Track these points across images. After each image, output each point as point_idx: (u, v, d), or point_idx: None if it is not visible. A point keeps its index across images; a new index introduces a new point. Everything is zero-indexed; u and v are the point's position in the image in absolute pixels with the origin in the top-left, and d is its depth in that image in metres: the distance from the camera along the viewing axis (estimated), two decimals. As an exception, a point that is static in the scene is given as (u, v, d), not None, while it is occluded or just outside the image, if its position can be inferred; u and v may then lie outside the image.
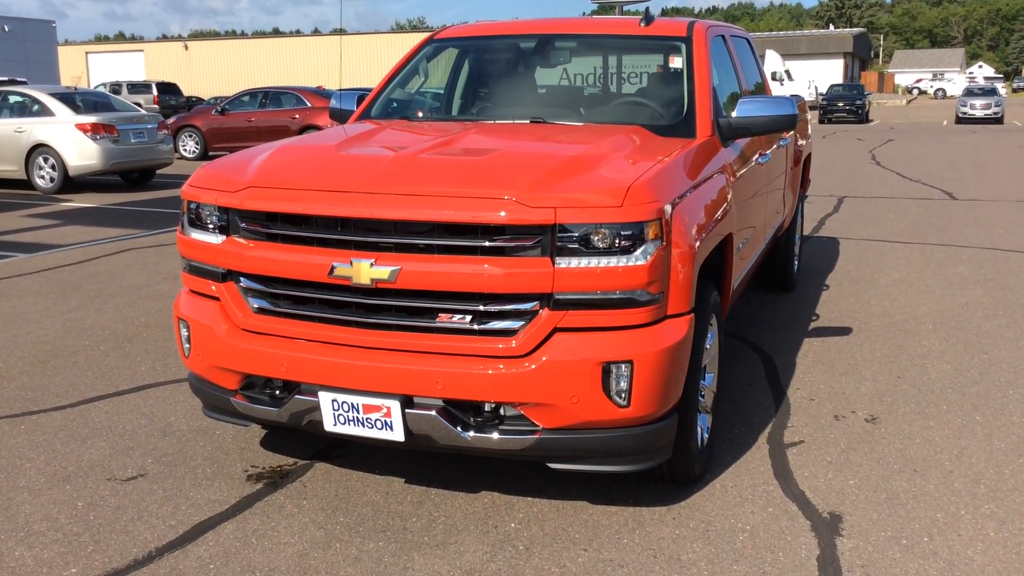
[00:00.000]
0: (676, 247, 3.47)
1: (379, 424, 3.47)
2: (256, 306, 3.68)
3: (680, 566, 3.42)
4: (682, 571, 3.39)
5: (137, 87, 43.91)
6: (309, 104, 20.44)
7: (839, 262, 8.95)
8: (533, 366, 3.32)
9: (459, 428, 3.44)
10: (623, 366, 3.35)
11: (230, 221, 3.70)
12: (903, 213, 12.03)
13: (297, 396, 3.59)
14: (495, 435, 3.44)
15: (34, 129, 14.57)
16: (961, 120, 38.26)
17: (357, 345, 3.51)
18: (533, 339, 3.34)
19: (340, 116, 5.25)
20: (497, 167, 3.58)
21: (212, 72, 66.22)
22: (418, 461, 4.24)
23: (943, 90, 74.02)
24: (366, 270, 3.39)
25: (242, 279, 3.70)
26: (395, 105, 5.29)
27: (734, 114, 4.55)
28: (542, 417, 3.40)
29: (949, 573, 3.36)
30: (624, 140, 4.07)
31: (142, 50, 71.28)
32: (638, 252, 3.32)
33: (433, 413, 3.41)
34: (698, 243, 3.64)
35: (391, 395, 3.43)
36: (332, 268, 3.45)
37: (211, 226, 3.75)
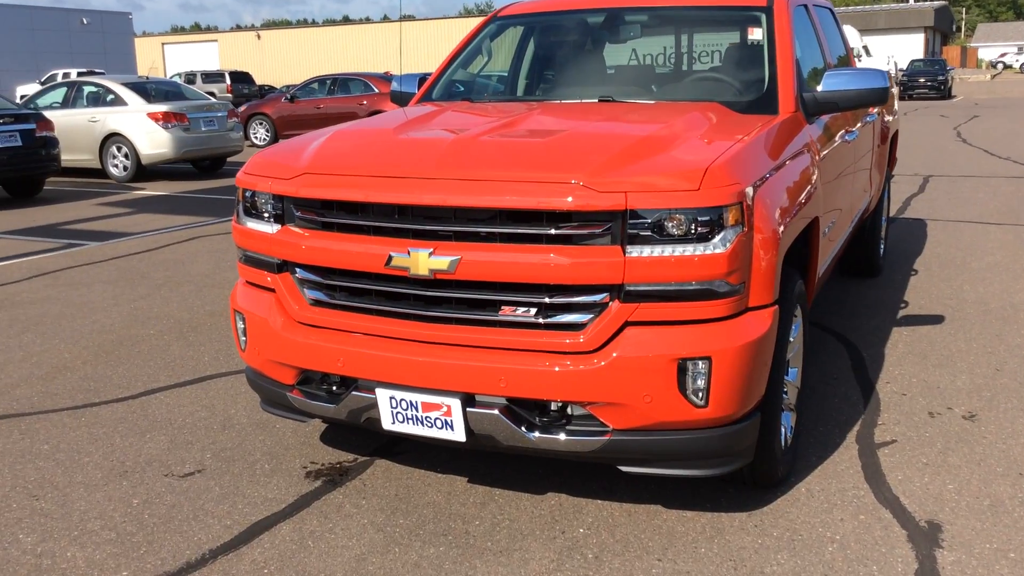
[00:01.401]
0: (758, 233, 3.19)
1: (439, 423, 3.28)
2: (312, 298, 3.52)
3: (763, 579, 3.15)
4: (766, 584, 3.12)
5: (211, 76, 44.68)
6: (376, 90, 20.40)
7: (927, 245, 8.48)
8: (603, 363, 3.08)
9: (524, 428, 3.22)
10: (700, 363, 3.09)
11: (285, 210, 3.53)
12: (993, 193, 11.41)
13: (354, 392, 3.41)
14: (562, 436, 3.21)
15: (107, 118, 14.78)
16: (1051, 94, 36.56)
17: (416, 340, 3.31)
18: (603, 334, 3.10)
19: (401, 99, 5.06)
20: (563, 149, 3.34)
21: (284, 60, 67.08)
22: (482, 459, 4.04)
23: (1030, 63, 71.10)
24: (424, 260, 3.19)
25: (298, 270, 3.54)
26: (458, 87, 5.07)
27: (820, 88, 4.22)
28: (613, 417, 3.16)
29: (1066, 592, 3.03)
30: (700, 118, 3.79)
31: (216, 40, 72.55)
32: (717, 239, 3.05)
33: (496, 412, 3.20)
34: (782, 228, 3.35)
35: (451, 393, 3.23)
36: (389, 258, 3.25)
37: (266, 215, 3.59)
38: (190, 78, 44.19)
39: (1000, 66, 77.25)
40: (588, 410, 3.18)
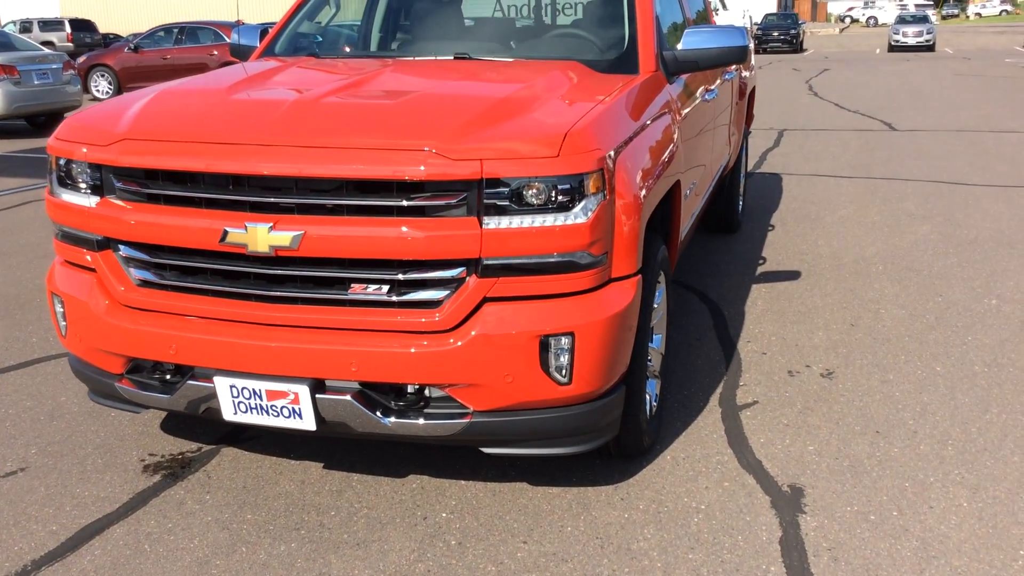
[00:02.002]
0: (620, 200, 3.05)
1: (286, 412, 3.03)
2: (139, 278, 3.18)
3: (631, 556, 3.07)
4: (632, 563, 3.04)
5: (49, 24, 41.71)
6: (228, 40, 19.40)
7: (783, 200, 8.64)
8: (460, 342, 2.89)
9: (378, 413, 3.01)
10: (563, 339, 2.94)
11: (104, 180, 3.17)
12: (844, 146, 11.77)
13: (190, 382, 3.12)
14: (420, 420, 3.02)
15: (-73, 71, 13.50)
16: (894, 48, 38.23)
17: (258, 322, 3.04)
18: (460, 311, 2.90)
19: (241, 54, 4.67)
20: (414, 113, 3.10)
21: (132, 7, 63.25)
22: (339, 442, 3.81)
23: (875, 18, 74.08)
24: (263, 236, 2.91)
25: (121, 247, 3.19)
26: (304, 41, 4.72)
27: (680, 46, 4.10)
28: (473, 399, 2.99)
29: (923, 553, 3.06)
30: (560, 78, 3.61)
31: (54, -16, 67.73)
32: (578, 208, 2.89)
33: (348, 398, 2.98)
34: (644, 193, 3.22)
35: (298, 379, 2.98)
36: (224, 234, 2.95)
37: (83, 186, 3.22)
38: (25, 26, 41.12)
39: (848, 20, 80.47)
40: (447, 392, 2.99)
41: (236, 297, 3.06)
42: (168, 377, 3.22)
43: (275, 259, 2.96)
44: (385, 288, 2.94)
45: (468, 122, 2.97)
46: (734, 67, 6.11)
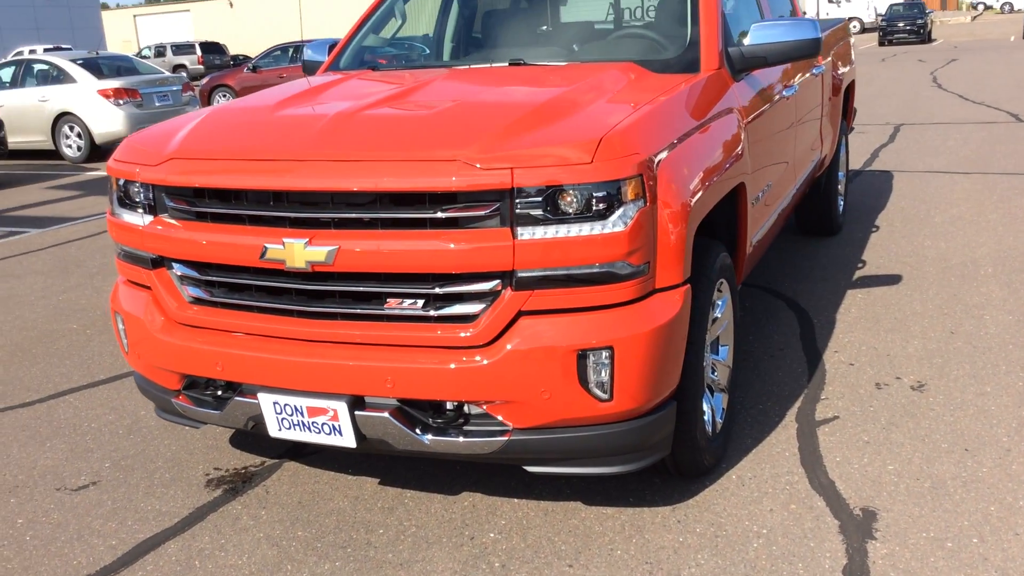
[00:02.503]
0: (665, 207, 2.91)
1: (327, 428, 3.01)
2: (192, 296, 3.23)
3: (681, 582, 2.92)
4: (683, 589, 2.89)
5: (182, 48, 43.86)
6: (340, 56, 19.92)
7: (892, 199, 8.21)
8: (496, 357, 2.81)
9: (417, 431, 2.96)
10: (602, 353, 2.82)
11: (156, 199, 3.23)
12: (964, 140, 11.12)
13: (238, 398, 3.14)
14: (459, 438, 2.95)
15: (57, 97, 14.32)
16: (1031, 34, 36.05)
17: (299, 339, 3.04)
18: (495, 325, 2.83)
19: (309, 69, 4.73)
20: (448, 123, 3.05)
21: (259, 29, 65.88)
22: (395, 458, 3.78)
23: (1010, 4, 70.18)
24: (300, 251, 2.91)
25: (175, 266, 3.25)
26: (372, 53, 4.74)
27: (746, 41, 3.91)
28: (512, 415, 2.90)
29: (1004, 586, 2.81)
30: (610, 80, 3.49)
31: (188, 10, 71.20)
32: (615, 216, 2.78)
33: (386, 415, 2.94)
34: (695, 200, 3.07)
35: (337, 396, 2.96)
36: (264, 250, 2.97)
37: (138, 206, 3.29)
38: (159, 51, 43.39)
39: (981, 7, 76.51)
40: (485, 409, 2.92)
41: (278, 313, 3.07)
42: (220, 393, 3.26)
43: (313, 275, 2.95)
44: (420, 303, 2.89)
45: (501, 130, 2.89)
46: (824, 61, 5.82)
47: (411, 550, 3.17)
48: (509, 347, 2.81)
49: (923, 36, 37.84)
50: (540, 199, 2.75)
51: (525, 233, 2.76)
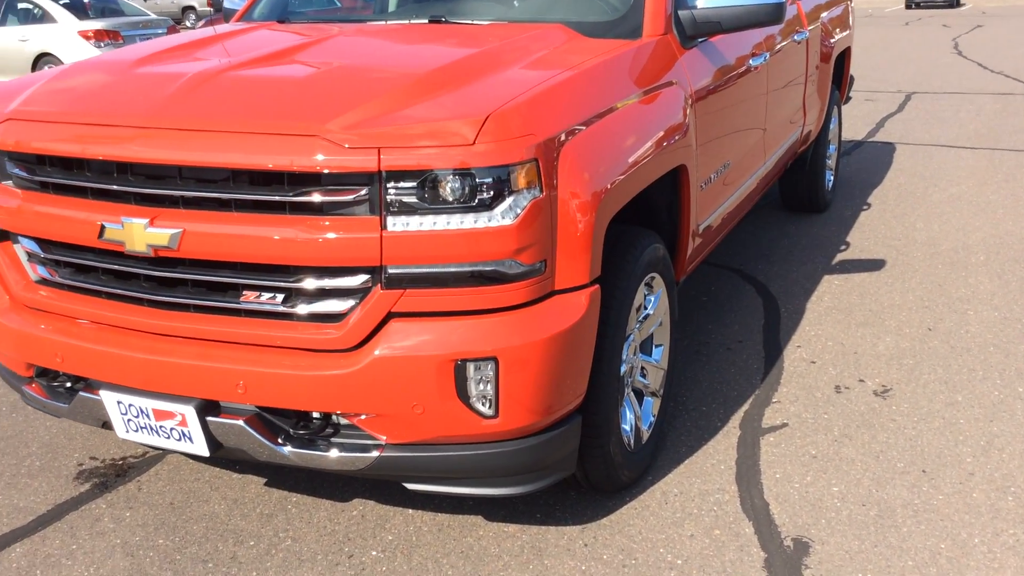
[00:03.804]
0: (569, 196, 2.49)
1: (175, 434, 2.64)
2: (38, 275, 2.85)
3: (572, 624, 2.55)
4: (572, 633, 2.52)
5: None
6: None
7: (890, 173, 7.71)
8: (360, 364, 2.42)
9: (278, 441, 2.59)
10: (485, 364, 2.43)
11: (1, 164, 2.84)
12: (976, 112, 10.54)
13: (82, 393, 2.78)
14: (325, 452, 2.57)
15: (37, 37, 13.87)
16: (1064, 1, 34.88)
17: (146, 331, 2.65)
18: (361, 328, 2.43)
19: (228, 17, 4.28)
20: (319, 91, 2.62)
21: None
22: (288, 455, 3.41)
23: (1048, -32, 68.34)
24: (139, 233, 2.51)
25: (21, 240, 2.86)
26: (300, 3, 4.29)
27: (699, 4, 3.45)
28: (383, 429, 2.52)
29: (939, 648, 2.42)
30: (527, 44, 3.05)
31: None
32: (502, 208, 2.36)
33: (240, 423, 2.56)
34: (609, 186, 2.65)
35: (185, 399, 2.58)
36: (102, 229, 2.57)
37: (-18, 170, 2.90)
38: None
39: (1015, -29, 74.34)
40: (352, 422, 2.53)
41: (125, 300, 2.68)
42: (68, 386, 2.89)
43: (161, 260, 2.56)
44: (280, 297, 2.50)
45: (376, 104, 2.47)
46: (810, 27, 5.32)
47: (278, 569, 2.81)
48: (377, 353, 2.42)
49: (951, 1, 36.66)
50: (414, 185, 2.34)
51: (396, 224, 2.35)
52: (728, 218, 4.14)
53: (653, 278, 3.15)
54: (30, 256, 2.86)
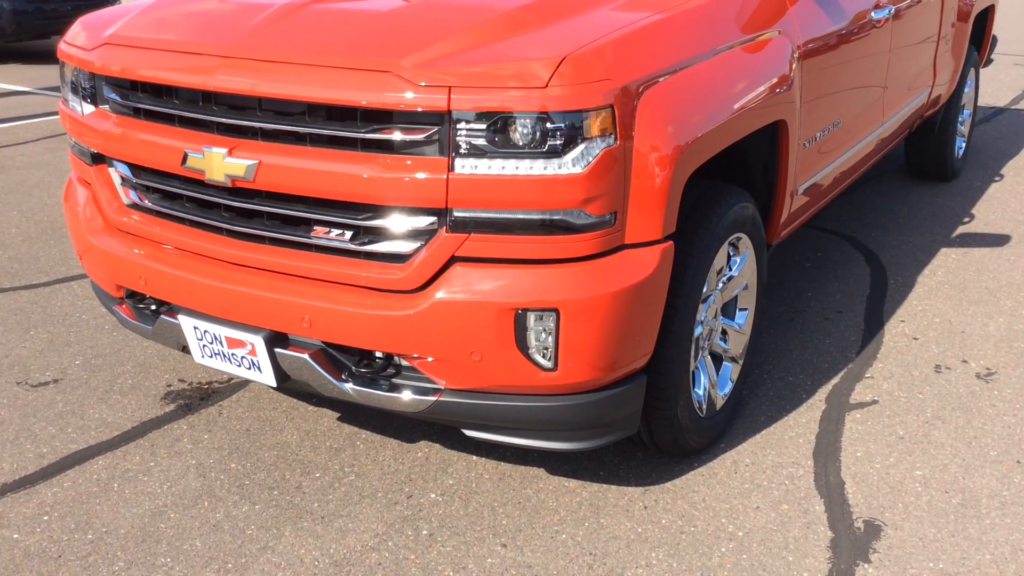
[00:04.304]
0: (648, 147, 2.40)
1: (246, 363, 2.70)
2: (130, 200, 2.94)
3: (621, 585, 2.51)
4: (620, 594, 2.48)
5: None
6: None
7: (1030, 144, 7.20)
8: (421, 307, 2.41)
9: (341, 377, 2.61)
10: (546, 316, 2.38)
11: (98, 88, 2.92)
12: None
13: (163, 316, 2.86)
14: (385, 392, 2.58)
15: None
16: None
17: (223, 260, 2.70)
18: (425, 270, 2.41)
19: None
20: (396, 26, 2.58)
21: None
22: (363, 391, 3.45)
23: None
24: (219, 162, 2.54)
25: (115, 164, 2.95)
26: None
27: (817, -53, 3.24)
28: (442, 373, 2.51)
29: (1008, 650, 2.28)
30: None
31: None
32: (573, 155, 2.29)
33: (305, 356, 2.59)
34: (692, 139, 2.53)
35: (255, 328, 2.63)
36: (185, 156, 2.62)
37: (82, 94, 2.99)
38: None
39: None
40: (412, 364, 2.53)
41: (206, 229, 2.74)
42: (153, 308, 2.98)
43: (238, 190, 2.59)
44: (348, 234, 2.50)
45: (454, 39, 2.42)
46: (948, -20, 4.96)
47: (340, 502, 2.86)
48: (438, 296, 2.40)
49: None
50: (483, 127, 2.28)
51: (464, 166, 2.31)
52: (837, 180, 3.93)
53: (739, 238, 3.02)
54: (123, 180, 2.94)
